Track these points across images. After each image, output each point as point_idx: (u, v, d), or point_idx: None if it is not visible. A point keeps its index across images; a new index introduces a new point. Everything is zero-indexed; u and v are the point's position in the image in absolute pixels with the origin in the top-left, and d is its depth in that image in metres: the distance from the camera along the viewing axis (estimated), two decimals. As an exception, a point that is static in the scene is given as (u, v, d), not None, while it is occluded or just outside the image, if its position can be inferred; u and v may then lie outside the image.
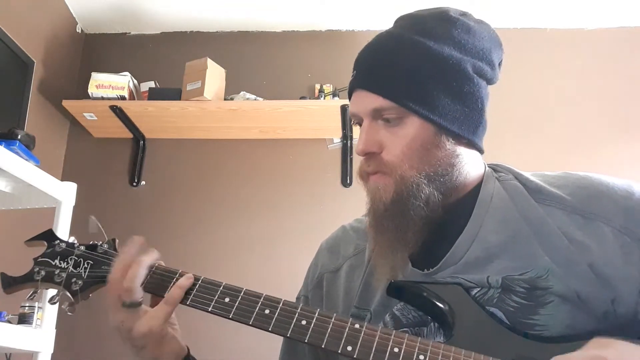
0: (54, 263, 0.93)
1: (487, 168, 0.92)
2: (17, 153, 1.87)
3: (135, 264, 0.86)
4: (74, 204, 2.03)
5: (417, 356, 0.73)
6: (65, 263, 0.92)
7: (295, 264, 2.60)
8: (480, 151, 0.91)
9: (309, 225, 2.67)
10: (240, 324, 0.83)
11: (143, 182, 2.83)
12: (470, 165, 0.88)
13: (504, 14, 2.83)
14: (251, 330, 0.84)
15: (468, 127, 0.86)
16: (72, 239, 0.96)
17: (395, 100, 0.84)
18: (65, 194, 2.00)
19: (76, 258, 0.93)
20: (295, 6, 2.83)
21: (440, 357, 0.72)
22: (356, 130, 2.71)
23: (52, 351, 1.87)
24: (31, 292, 0.94)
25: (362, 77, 0.88)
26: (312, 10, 2.85)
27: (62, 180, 2.15)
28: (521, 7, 2.79)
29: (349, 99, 0.92)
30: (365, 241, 0.96)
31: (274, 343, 1.03)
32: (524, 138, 2.74)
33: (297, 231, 2.68)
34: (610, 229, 0.79)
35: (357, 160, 2.93)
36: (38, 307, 1.85)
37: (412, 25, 0.89)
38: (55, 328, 1.90)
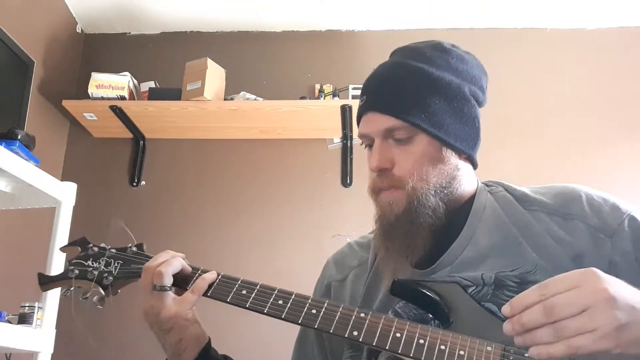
0: (87, 263, 1.04)
1: (480, 184, 1.01)
2: (17, 153, 1.87)
3: (173, 258, 0.98)
4: (74, 204, 2.03)
5: (418, 340, 0.79)
6: (97, 263, 1.04)
7: (295, 264, 2.61)
8: (475, 166, 1.01)
9: (309, 225, 2.67)
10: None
11: (143, 182, 2.83)
12: (466, 179, 0.98)
13: (504, 14, 2.84)
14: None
15: (468, 143, 0.96)
16: (103, 244, 1.07)
17: (406, 120, 0.92)
18: (65, 194, 2.00)
19: (107, 259, 1.04)
20: (295, 6, 2.83)
21: (439, 340, 0.79)
22: (357, 132, 2.72)
23: (52, 351, 1.87)
24: (65, 290, 1.03)
25: (373, 100, 0.96)
26: (312, 10, 2.85)
27: (62, 180, 2.15)
28: (521, 7, 2.79)
29: (358, 122, 1.00)
30: (369, 253, 1.04)
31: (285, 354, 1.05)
32: (523, 137, 2.74)
33: (297, 231, 2.68)
34: (586, 226, 0.89)
35: (357, 161, 2.94)
36: (38, 307, 1.85)
37: (413, 55, 0.98)
38: (55, 328, 1.90)
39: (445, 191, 0.93)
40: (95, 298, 1.00)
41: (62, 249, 1.11)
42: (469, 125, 0.96)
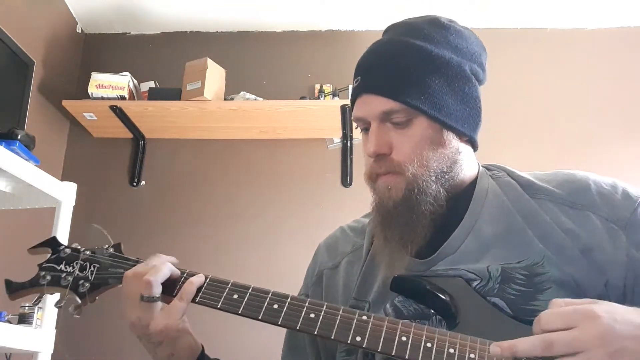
0: (59, 268, 0.94)
1: (481, 167, 0.96)
2: (17, 153, 1.87)
3: (162, 264, 0.89)
4: (74, 204, 2.03)
5: (425, 344, 0.75)
6: (71, 267, 0.94)
7: (295, 264, 2.59)
8: (475, 148, 0.95)
9: (309, 225, 2.67)
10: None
11: (143, 182, 2.83)
12: (467, 162, 0.92)
13: (504, 14, 2.83)
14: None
15: (470, 125, 0.91)
16: (75, 245, 0.97)
17: (405, 102, 0.86)
18: (65, 194, 2.00)
19: (82, 262, 0.94)
20: (295, 6, 2.83)
21: (447, 343, 0.74)
22: (356, 131, 2.71)
23: (52, 351, 1.87)
24: (36, 297, 0.95)
25: (369, 81, 0.90)
26: (312, 10, 2.85)
27: (62, 180, 2.15)
28: (521, 7, 2.79)
29: (352, 105, 0.94)
30: (363, 239, 0.99)
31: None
32: (523, 137, 2.73)
33: (297, 231, 2.67)
34: (597, 217, 0.85)
35: (357, 161, 2.94)
36: (38, 308, 1.85)
37: (410, 32, 0.92)
38: (55, 328, 1.90)
39: (447, 176, 0.88)
40: (71, 307, 0.91)
41: (30, 251, 0.99)
42: (470, 106, 0.90)
